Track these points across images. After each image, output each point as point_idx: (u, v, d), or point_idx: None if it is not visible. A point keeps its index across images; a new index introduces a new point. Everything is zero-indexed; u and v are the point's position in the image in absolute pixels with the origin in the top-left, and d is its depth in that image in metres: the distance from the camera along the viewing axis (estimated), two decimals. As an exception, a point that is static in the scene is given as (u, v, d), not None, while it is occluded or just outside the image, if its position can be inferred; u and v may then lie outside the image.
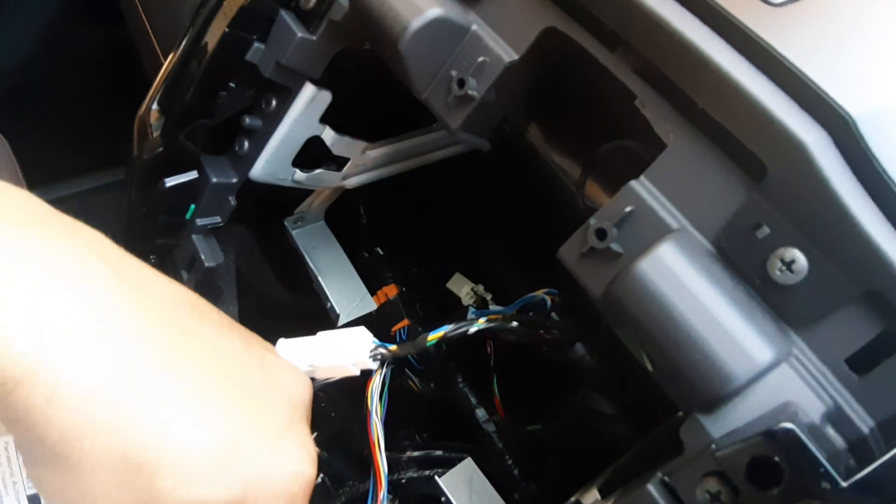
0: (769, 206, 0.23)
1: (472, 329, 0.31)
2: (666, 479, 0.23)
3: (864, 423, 0.22)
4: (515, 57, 0.29)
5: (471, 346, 0.49)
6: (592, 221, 0.26)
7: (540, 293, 0.40)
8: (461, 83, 0.29)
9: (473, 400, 0.49)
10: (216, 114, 0.36)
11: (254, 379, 0.24)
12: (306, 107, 0.36)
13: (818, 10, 0.25)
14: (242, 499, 0.22)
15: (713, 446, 0.21)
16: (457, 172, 0.51)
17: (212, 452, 0.21)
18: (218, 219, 0.40)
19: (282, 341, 0.30)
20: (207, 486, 0.21)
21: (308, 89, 0.35)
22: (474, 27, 0.29)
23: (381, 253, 0.53)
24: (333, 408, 0.52)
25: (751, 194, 0.24)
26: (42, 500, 0.26)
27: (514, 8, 0.29)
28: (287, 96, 0.35)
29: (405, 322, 0.49)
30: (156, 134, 0.36)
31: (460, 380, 0.49)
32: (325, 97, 0.36)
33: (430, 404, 0.52)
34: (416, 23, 0.28)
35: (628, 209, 0.25)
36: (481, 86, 0.29)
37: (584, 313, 0.46)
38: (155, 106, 0.36)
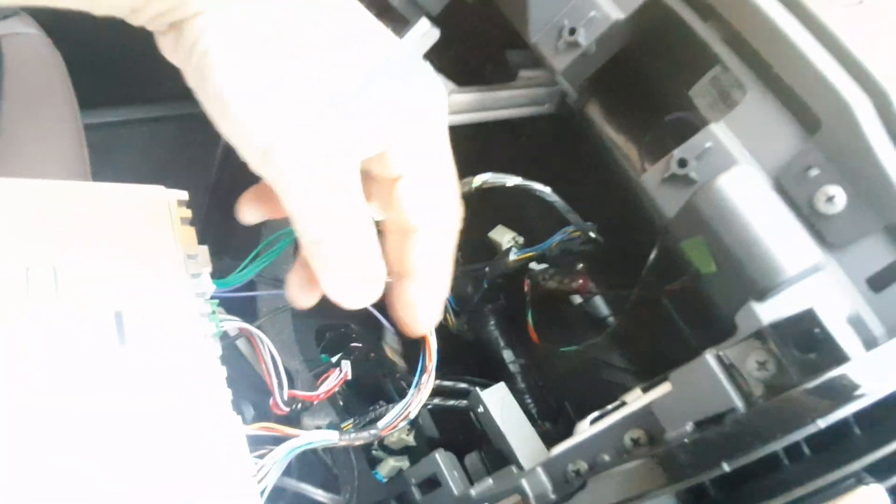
0: (820, 152, 0.29)
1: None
2: (720, 353, 0.28)
3: (877, 328, 0.28)
4: (622, 16, 0.35)
5: (507, 292, 0.54)
6: (676, 152, 0.32)
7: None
8: (572, 31, 0.35)
9: (502, 342, 0.53)
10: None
11: None
12: (418, 40, 0.41)
13: (874, 12, 0.32)
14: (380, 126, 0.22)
15: (764, 323, 0.27)
16: (514, 135, 0.56)
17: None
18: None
19: None
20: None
21: (423, 23, 0.40)
22: (589, -13, 0.35)
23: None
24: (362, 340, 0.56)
25: (806, 143, 0.30)
26: None
27: (626, -23, 0.35)
28: (403, 26, 0.40)
29: (449, 264, 0.53)
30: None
31: (492, 322, 0.54)
32: (435, 34, 0.41)
33: (458, 347, 0.56)
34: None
35: (708, 145, 0.31)
36: (588, 36, 0.35)
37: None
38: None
